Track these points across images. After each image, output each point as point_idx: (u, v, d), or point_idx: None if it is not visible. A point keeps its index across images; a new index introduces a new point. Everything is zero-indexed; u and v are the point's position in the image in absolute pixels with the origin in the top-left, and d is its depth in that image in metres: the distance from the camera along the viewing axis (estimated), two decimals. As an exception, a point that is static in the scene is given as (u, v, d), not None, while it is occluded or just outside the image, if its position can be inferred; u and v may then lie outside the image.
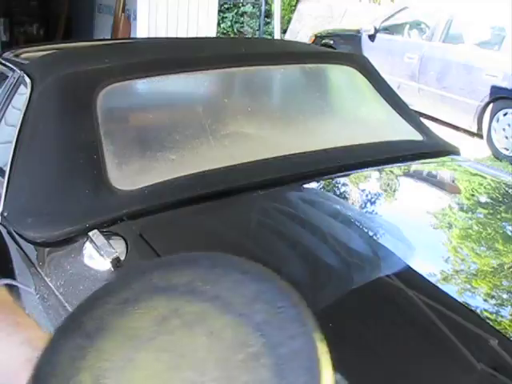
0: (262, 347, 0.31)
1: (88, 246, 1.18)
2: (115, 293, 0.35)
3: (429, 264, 1.24)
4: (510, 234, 1.46)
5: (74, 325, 0.34)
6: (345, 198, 1.62)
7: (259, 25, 8.56)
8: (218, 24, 6.74)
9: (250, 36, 8.55)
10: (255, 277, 0.34)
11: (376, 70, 2.09)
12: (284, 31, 8.47)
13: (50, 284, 1.23)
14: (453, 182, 1.84)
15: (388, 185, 1.75)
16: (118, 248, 1.14)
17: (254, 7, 8.86)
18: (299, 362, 0.30)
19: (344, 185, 1.71)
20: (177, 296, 0.33)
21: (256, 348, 0.31)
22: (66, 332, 0.34)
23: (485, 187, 1.79)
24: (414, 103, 5.24)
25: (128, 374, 0.30)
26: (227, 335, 0.31)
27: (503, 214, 1.58)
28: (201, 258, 0.36)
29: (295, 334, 0.31)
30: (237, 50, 2.02)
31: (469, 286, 1.21)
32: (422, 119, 2.20)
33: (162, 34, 4.78)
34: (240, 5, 8.81)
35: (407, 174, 1.84)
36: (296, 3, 9.26)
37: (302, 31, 8.60)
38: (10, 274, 1.41)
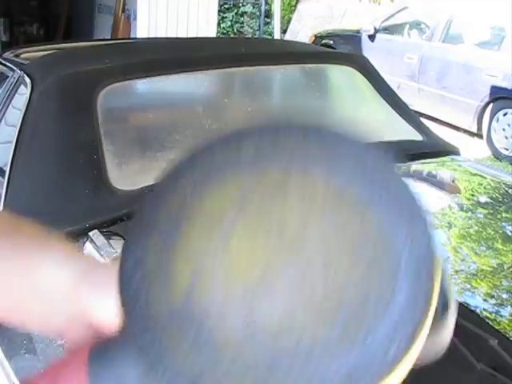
0: (369, 225, 0.27)
1: (88, 245, 1.18)
2: (188, 172, 0.32)
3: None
4: (509, 234, 1.46)
5: (148, 226, 0.31)
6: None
7: (259, 25, 8.56)
8: (218, 24, 6.74)
9: (249, 36, 8.56)
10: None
11: (376, 70, 2.09)
12: (284, 31, 8.47)
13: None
14: (453, 181, 1.85)
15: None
16: (118, 248, 1.14)
17: (253, 7, 8.86)
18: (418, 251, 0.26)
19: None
20: (261, 170, 0.30)
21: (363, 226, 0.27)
22: (140, 233, 0.31)
23: (485, 187, 1.80)
24: (414, 103, 5.24)
25: (226, 259, 0.28)
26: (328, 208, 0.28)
27: (503, 214, 1.58)
28: (285, 127, 0.32)
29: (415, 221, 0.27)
30: (237, 50, 2.02)
31: (469, 287, 1.21)
32: (421, 119, 2.20)
33: (162, 34, 4.79)
34: (240, 5, 8.81)
35: (407, 174, 1.84)
36: (296, 3, 9.26)
37: (301, 31, 8.60)
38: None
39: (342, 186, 0.28)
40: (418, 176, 1.88)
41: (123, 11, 5.55)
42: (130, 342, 0.29)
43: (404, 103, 2.08)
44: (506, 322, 1.07)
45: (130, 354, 0.29)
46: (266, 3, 8.40)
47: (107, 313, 0.32)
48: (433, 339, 0.28)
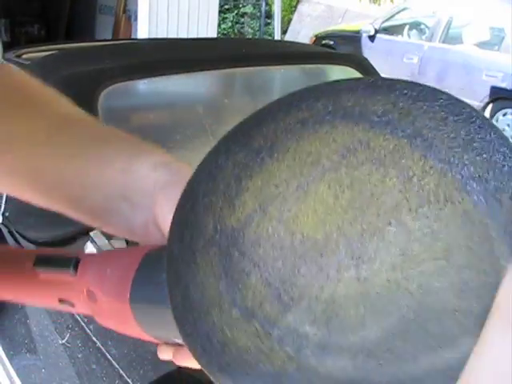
0: (471, 207, 0.24)
1: (89, 245, 1.19)
2: (293, 109, 0.29)
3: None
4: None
5: (240, 138, 0.29)
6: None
7: (260, 25, 8.57)
8: (219, 25, 6.75)
9: (250, 37, 8.56)
10: (468, 120, 0.26)
11: (376, 70, 2.10)
12: (284, 32, 8.48)
13: (51, 283, 1.24)
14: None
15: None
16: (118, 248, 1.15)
17: (254, 8, 8.86)
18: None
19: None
20: (368, 126, 0.27)
21: (463, 206, 0.24)
22: (230, 145, 0.29)
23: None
24: (414, 104, 5.23)
25: (298, 205, 0.26)
26: (428, 185, 0.25)
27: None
28: (401, 85, 0.28)
29: None
30: (237, 50, 2.03)
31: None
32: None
33: (163, 35, 4.79)
34: (240, 6, 8.82)
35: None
36: (296, 4, 9.26)
37: (302, 32, 8.60)
38: (12, 274, 1.42)
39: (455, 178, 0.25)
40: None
41: (124, 12, 5.56)
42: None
43: (404, 103, 2.08)
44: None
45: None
46: (267, 4, 8.41)
47: (159, 222, 0.33)
48: None
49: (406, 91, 0.27)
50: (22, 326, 1.45)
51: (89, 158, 0.38)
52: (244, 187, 0.27)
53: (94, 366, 1.10)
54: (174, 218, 0.28)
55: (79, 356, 1.14)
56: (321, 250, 0.25)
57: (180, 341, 0.32)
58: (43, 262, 0.38)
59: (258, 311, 0.25)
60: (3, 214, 1.42)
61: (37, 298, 0.41)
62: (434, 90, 0.27)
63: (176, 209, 0.28)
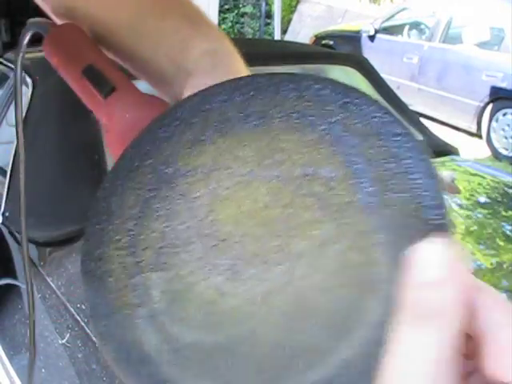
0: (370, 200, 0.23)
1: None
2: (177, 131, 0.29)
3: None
4: (509, 233, 1.47)
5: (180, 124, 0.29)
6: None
7: (260, 25, 8.57)
8: (219, 25, 6.75)
9: (250, 37, 8.56)
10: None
11: (376, 70, 2.10)
12: (284, 32, 8.48)
13: (51, 284, 1.24)
14: (452, 181, 1.85)
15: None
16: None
17: (254, 8, 8.86)
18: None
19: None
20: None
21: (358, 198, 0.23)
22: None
23: (484, 187, 1.80)
24: (414, 103, 5.25)
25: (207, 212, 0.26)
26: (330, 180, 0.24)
27: (503, 214, 1.58)
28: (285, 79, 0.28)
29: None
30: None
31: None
32: (421, 119, 2.21)
33: (163, 35, 4.79)
34: (240, 5, 8.82)
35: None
36: (296, 4, 9.27)
37: (302, 32, 8.61)
38: (12, 274, 1.42)
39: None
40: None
41: (123, 12, 5.55)
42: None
43: (404, 103, 2.08)
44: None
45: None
46: (267, 4, 8.41)
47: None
48: None
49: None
50: (21, 326, 1.45)
51: (147, 30, 0.40)
52: (214, 139, 0.27)
53: (93, 366, 1.10)
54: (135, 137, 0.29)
55: (79, 356, 1.14)
56: (215, 242, 0.25)
57: None
58: (90, 73, 0.40)
59: (138, 253, 0.26)
60: (3, 214, 1.42)
61: (80, 97, 0.43)
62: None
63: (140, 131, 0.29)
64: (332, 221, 0.24)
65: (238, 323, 0.23)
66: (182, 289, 0.25)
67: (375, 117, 0.25)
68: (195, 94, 0.29)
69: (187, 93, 0.34)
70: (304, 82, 0.28)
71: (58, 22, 0.48)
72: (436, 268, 0.19)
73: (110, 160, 1.39)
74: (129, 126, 0.36)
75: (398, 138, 0.24)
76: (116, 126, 0.37)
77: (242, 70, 0.38)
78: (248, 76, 0.29)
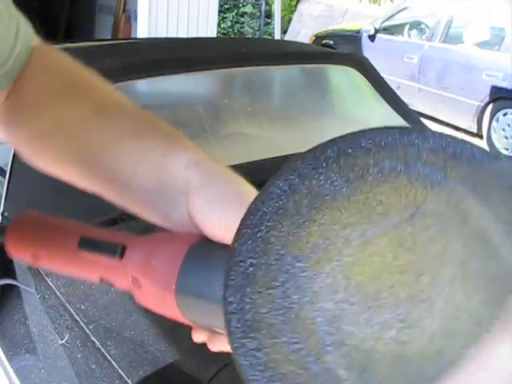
0: None
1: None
2: (375, 152, 0.28)
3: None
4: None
5: (313, 164, 0.28)
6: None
7: (259, 25, 8.57)
8: (219, 24, 6.75)
9: (250, 36, 8.56)
10: None
11: (376, 70, 2.10)
12: (284, 31, 8.48)
13: (50, 284, 1.24)
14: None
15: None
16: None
17: (254, 7, 8.86)
18: None
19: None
20: (441, 190, 0.26)
21: None
22: (304, 169, 0.28)
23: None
24: (414, 103, 5.25)
25: (358, 253, 0.26)
26: (488, 270, 0.25)
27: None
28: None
29: None
30: (237, 50, 2.02)
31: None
32: (421, 119, 2.21)
33: (163, 35, 4.78)
34: (240, 5, 8.82)
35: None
36: (296, 3, 9.26)
37: (302, 31, 8.60)
38: (11, 274, 1.42)
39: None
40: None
41: (124, 11, 5.55)
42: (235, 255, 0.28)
43: (404, 103, 2.08)
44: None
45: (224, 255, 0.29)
46: (267, 3, 8.41)
47: (212, 226, 0.34)
48: None
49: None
50: (21, 326, 1.45)
51: (127, 150, 0.40)
52: (313, 218, 0.27)
53: (93, 367, 1.10)
54: (235, 238, 0.28)
55: (79, 356, 1.14)
56: (370, 304, 0.25)
57: (219, 330, 0.34)
58: (88, 244, 0.39)
59: (303, 344, 0.25)
60: (3, 214, 1.42)
61: (78, 273, 0.41)
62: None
63: (239, 228, 0.28)
64: (455, 236, 0.25)
65: (430, 361, 0.24)
66: (363, 357, 0.25)
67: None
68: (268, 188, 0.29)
69: (193, 207, 0.35)
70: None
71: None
72: None
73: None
74: (164, 271, 0.35)
75: None
76: (151, 276, 0.35)
77: (229, 172, 0.37)
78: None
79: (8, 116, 0.45)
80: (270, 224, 0.28)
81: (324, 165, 0.28)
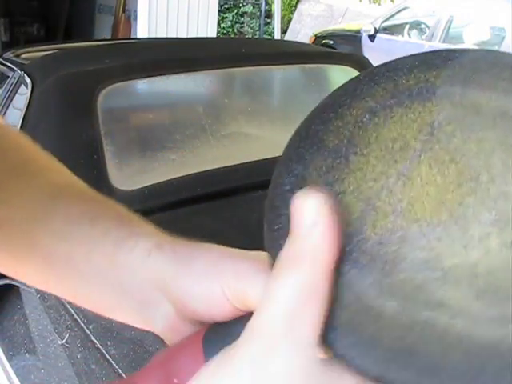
0: None
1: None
2: (355, 100, 0.27)
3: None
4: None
5: (311, 143, 0.27)
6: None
7: (259, 25, 8.56)
8: (218, 24, 6.75)
9: (250, 36, 8.56)
10: None
11: (376, 70, 2.09)
12: (284, 31, 8.48)
13: (50, 284, 1.24)
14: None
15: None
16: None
17: (254, 7, 8.86)
18: None
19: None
20: (441, 101, 0.26)
21: None
22: (303, 152, 0.27)
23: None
24: (414, 103, 5.24)
25: (408, 193, 0.25)
26: None
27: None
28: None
29: None
30: (237, 50, 2.02)
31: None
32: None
33: (163, 35, 4.79)
34: (240, 5, 8.82)
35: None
36: (296, 3, 9.26)
37: (302, 31, 8.60)
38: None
39: None
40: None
41: (123, 11, 5.55)
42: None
43: (404, 103, 2.08)
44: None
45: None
46: (267, 3, 8.41)
47: (216, 300, 0.29)
48: None
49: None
50: (21, 326, 1.45)
51: (76, 242, 0.34)
52: (339, 192, 0.26)
53: (93, 367, 1.10)
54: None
55: (78, 356, 1.14)
56: (454, 229, 0.24)
57: None
58: None
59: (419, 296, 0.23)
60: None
61: None
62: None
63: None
64: (481, 127, 0.25)
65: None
66: (485, 280, 0.23)
67: None
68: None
69: (182, 295, 0.30)
70: None
71: None
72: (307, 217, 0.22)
73: (110, 160, 1.38)
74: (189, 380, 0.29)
75: None
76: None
77: (193, 242, 0.32)
78: None
79: None
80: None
81: (316, 142, 0.28)
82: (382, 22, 6.33)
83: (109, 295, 0.33)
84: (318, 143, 0.27)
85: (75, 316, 1.15)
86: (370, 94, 0.27)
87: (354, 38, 6.50)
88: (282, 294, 0.22)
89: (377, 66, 0.28)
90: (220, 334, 0.29)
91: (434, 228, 0.24)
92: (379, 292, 0.23)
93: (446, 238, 0.24)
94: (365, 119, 0.27)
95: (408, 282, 0.23)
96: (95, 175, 1.33)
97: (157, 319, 0.31)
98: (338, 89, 0.29)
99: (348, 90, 0.28)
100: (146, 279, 0.31)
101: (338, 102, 0.28)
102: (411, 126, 0.26)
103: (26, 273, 0.37)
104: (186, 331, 0.30)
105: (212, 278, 0.29)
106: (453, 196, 0.24)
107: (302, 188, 0.25)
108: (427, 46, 5.72)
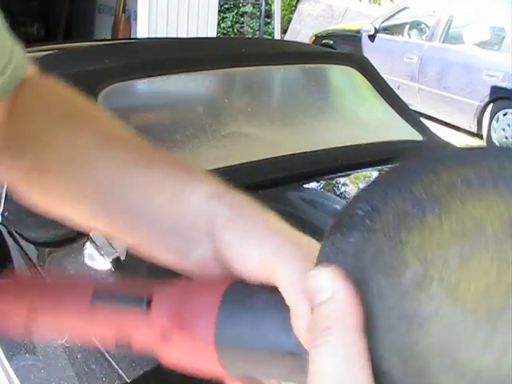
0: None
1: (88, 245, 1.19)
2: (456, 165, 0.27)
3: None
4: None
5: (397, 184, 0.27)
6: (345, 197, 1.62)
7: (259, 25, 8.56)
8: (218, 24, 6.75)
9: (250, 36, 8.56)
10: None
11: (376, 70, 2.10)
12: (284, 31, 8.48)
13: (50, 284, 1.24)
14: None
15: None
16: (119, 248, 1.15)
17: (254, 7, 8.86)
18: None
19: (344, 185, 1.71)
20: None
21: None
22: (386, 189, 0.27)
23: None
24: (414, 103, 5.25)
25: (461, 272, 0.24)
26: None
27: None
28: None
29: None
30: (237, 50, 2.02)
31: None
32: (421, 119, 2.21)
33: (163, 35, 4.78)
34: (240, 5, 8.82)
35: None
36: (296, 3, 9.26)
37: (302, 31, 8.61)
38: (11, 274, 1.41)
39: None
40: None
41: (123, 11, 5.55)
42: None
43: (404, 103, 2.08)
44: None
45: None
46: (267, 3, 8.41)
47: (249, 263, 0.30)
48: None
49: None
50: (21, 326, 1.45)
51: (136, 183, 0.36)
52: (403, 239, 0.25)
53: (93, 367, 1.10)
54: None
55: (78, 356, 1.14)
56: (483, 325, 0.24)
57: (265, 378, 0.31)
58: (105, 297, 0.34)
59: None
60: (3, 214, 1.42)
61: (87, 332, 0.38)
62: None
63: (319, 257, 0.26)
64: None
65: None
66: None
67: None
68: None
69: (222, 245, 0.31)
70: None
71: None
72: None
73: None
74: (200, 322, 0.31)
75: None
76: (185, 330, 0.32)
77: (254, 204, 0.33)
78: None
79: (2, 144, 0.41)
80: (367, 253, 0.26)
81: (402, 184, 0.27)
82: (382, 22, 6.33)
83: (160, 232, 0.34)
84: (403, 186, 0.27)
85: (75, 316, 1.15)
86: (473, 164, 0.27)
87: (353, 38, 6.50)
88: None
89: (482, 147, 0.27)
90: (239, 299, 0.31)
91: (466, 314, 0.24)
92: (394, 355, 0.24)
93: (471, 328, 0.24)
94: (456, 185, 0.26)
95: (416, 355, 0.24)
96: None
97: (192, 256, 0.33)
98: (442, 149, 0.29)
99: (451, 153, 0.28)
100: (199, 221, 0.33)
101: (436, 158, 0.28)
102: (494, 210, 0.25)
103: (73, 213, 0.39)
104: (215, 272, 0.32)
105: (255, 241, 0.30)
106: (500, 298, 0.24)
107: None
108: (427, 46, 5.73)
